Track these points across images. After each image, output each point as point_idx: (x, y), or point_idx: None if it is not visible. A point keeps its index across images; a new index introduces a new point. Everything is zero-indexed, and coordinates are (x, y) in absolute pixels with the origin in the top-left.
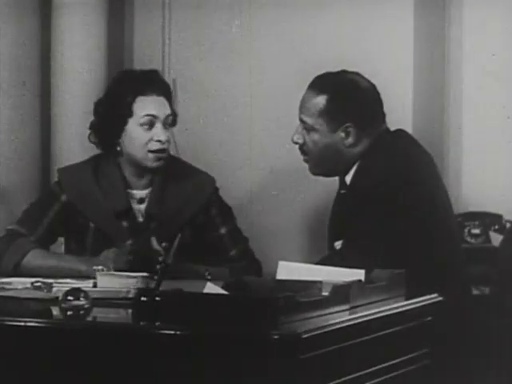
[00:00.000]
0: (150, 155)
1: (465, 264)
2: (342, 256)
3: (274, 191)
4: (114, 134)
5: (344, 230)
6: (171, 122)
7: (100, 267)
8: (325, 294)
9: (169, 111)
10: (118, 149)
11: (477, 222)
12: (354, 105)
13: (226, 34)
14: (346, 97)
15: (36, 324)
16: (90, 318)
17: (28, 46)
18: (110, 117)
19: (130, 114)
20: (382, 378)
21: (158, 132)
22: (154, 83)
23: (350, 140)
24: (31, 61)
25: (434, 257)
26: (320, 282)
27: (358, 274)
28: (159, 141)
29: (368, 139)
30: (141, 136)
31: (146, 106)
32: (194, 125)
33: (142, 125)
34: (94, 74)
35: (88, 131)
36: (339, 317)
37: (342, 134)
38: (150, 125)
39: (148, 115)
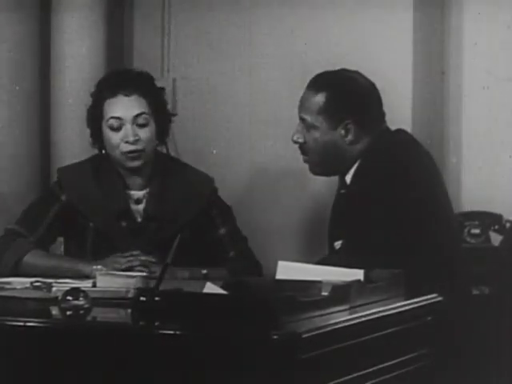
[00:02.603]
0: (123, 156)
1: (465, 264)
2: (341, 256)
3: (273, 191)
4: (97, 137)
5: (344, 230)
6: (146, 120)
7: (99, 267)
8: (325, 294)
9: (140, 110)
10: (103, 151)
11: (477, 222)
12: (354, 102)
13: (226, 34)
14: (345, 94)
15: (36, 324)
16: (89, 318)
17: (28, 46)
18: (90, 121)
19: (101, 117)
20: (382, 378)
21: (126, 133)
22: (123, 83)
23: (350, 137)
24: (31, 61)
25: (434, 257)
26: (320, 282)
27: (358, 274)
28: (127, 142)
29: (368, 137)
30: (111, 138)
31: (111, 108)
32: (193, 125)
33: (110, 127)
34: (93, 74)
35: (87, 131)
36: (339, 317)
37: (342, 132)
38: (118, 127)
39: (113, 117)
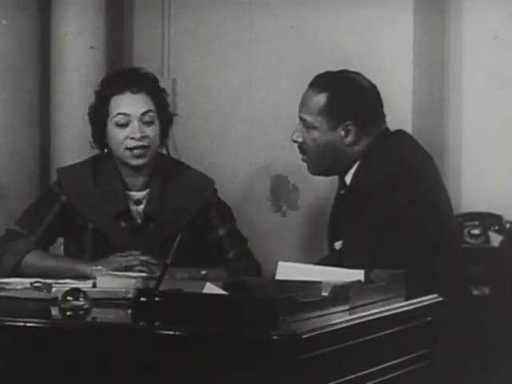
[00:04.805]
0: (128, 153)
1: (465, 264)
2: (341, 256)
3: (273, 191)
4: (100, 135)
5: (344, 230)
6: (152, 118)
7: (99, 267)
8: (325, 294)
9: (147, 108)
10: (106, 150)
11: (477, 223)
12: (354, 103)
13: (226, 34)
14: (347, 95)
15: (35, 324)
16: (89, 319)
17: (28, 45)
18: (93, 118)
19: (106, 114)
20: (382, 378)
21: (133, 129)
22: (131, 81)
23: (350, 138)
24: (31, 61)
25: (434, 257)
26: (320, 283)
27: (358, 274)
28: (133, 138)
29: (368, 138)
30: (117, 135)
31: (119, 104)
32: (193, 125)
33: (116, 124)
34: (93, 73)
35: (87, 131)
36: (339, 317)
37: (342, 133)
38: (125, 123)
39: (120, 114)
